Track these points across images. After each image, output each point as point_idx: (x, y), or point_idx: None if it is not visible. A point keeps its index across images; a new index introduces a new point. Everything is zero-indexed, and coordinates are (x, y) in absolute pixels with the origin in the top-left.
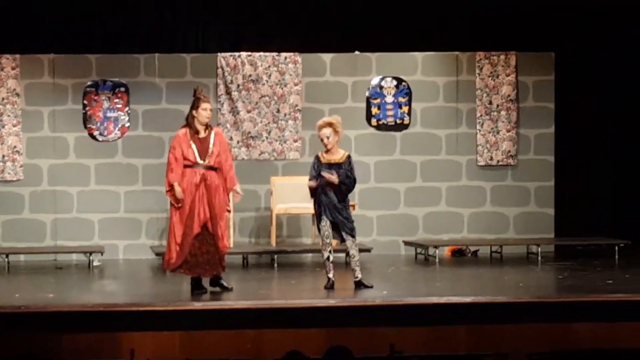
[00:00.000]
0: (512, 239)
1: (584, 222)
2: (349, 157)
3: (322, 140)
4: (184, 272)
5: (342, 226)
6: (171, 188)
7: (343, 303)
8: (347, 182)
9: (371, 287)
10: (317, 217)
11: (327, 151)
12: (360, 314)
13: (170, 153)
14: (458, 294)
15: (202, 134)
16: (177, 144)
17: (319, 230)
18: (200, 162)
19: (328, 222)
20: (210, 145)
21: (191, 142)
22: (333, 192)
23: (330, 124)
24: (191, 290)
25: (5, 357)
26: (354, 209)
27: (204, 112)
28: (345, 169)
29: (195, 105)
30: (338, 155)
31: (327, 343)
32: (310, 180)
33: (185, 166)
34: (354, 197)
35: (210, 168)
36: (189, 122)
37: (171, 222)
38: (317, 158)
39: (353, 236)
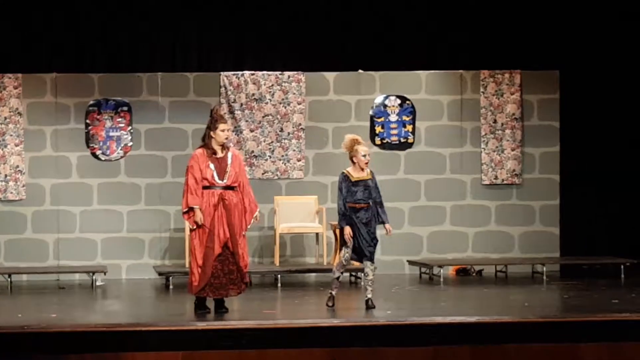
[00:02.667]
0: (517, 258)
1: (589, 241)
2: (373, 173)
3: (363, 156)
4: (208, 294)
5: (363, 251)
6: (189, 210)
7: (347, 323)
8: (381, 201)
9: (374, 307)
10: (342, 240)
11: (359, 169)
12: (364, 334)
13: (189, 174)
14: (462, 314)
15: (220, 154)
16: (195, 163)
17: (341, 249)
18: (219, 182)
19: (352, 246)
20: (228, 165)
21: (209, 162)
22: (367, 214)
23: (363, 143)
24: (195, 310)
25: None
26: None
27: (222, 132)
28: (374, 185)
29: (213, 126)
30: (365, 173)
31: None
32: (340, 206)
33: (203, 187)
34: None
35: (228, 188)
36: (206, 142)
37: (192, 245)
38: (346, 176)
39: (372, 260)
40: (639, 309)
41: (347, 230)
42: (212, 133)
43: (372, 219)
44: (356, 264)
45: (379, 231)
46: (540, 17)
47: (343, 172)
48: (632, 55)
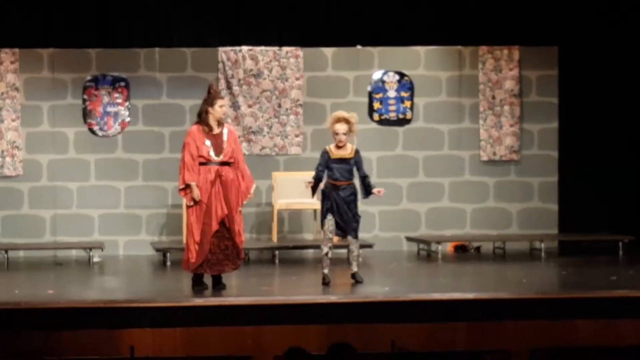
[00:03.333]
0: (515, 234)
1: (588, 218)
2: (358, 151)
3: (336, 134)
4: (205, 271)
5: (348, 225)
6: (186, 187)
7: (344, 299)
8: (366, 175)
9: (361, 281)
10: (323, 212)
11: (339, 147)
12: (362, 310)
13: (185, 150)
14: (460, 290)
15: (216, 130)
16: (191, 140)
17: (322, 225)
18: (215, 158)
19: (334, 219)
20: (225, 141)
21: (205, 138)
22: (347, 191)
23: (347, 121)
24: (192, 286)
25: (5, 354)
26: (380, 193)
27: (220, 108)
28: (358, 161)
29: (210, 102)
30: (347, 150)
31: (327, 339)
32: (315, 176)
33: (200, 164)
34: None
35: (224, 164)
36: (203, 118)
37: (188, 221)
38: (327, 153)
39: (356, 237)
40: (637, 286)
41: (308, 180)
42: (209, 109)
43: (354, 197)
44: (336, 239)
45: (384, 206)
46: None
47: (325, 148)
48: (630, 32)
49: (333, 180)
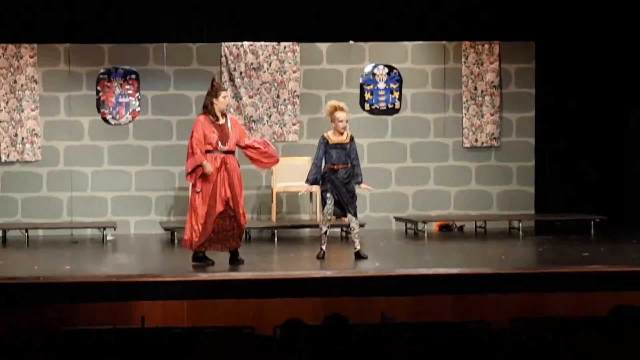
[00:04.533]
0: (495, 215)
1: (562, 200)
2: (352, 137)
3: (339, 121)
4: (207, 248)
5: (347, 207)
6: (193, 171)
7: (338, 274)
8: (357, 163)
9: (366, 257)
10: (323, 194)
11: (338, 133)
12: (354, 284)
13: (194, 137)
14: (445, 266)
15: (221, 121)
16: (199, 128)
17: (324, 206)
18: (222, 147)
19: (333, 200)
20: (230, 131)
21: (213, 128)
22: (345, 173)
23: (344, 109)
24: (193, 262)
25: (26, 325)
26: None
27: (224, 99)
28: (353, 148)
29: (215, 94)
30: (344, 137)
31: (323, 311)
32: (313, 165)
33: (207, 151)
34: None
35: (229, 152)
36: (209, 109)
37: (192, 204)
38: (325, 139)
39: (355, 215)
40: (607, 262)
41: (305, 186)
42: (214, 100)
43: (350, 178)
44: (333, 218)
45: (360, 191)
46: None
47: (323, 135)
48: (601, 27)
49: (331, 164)
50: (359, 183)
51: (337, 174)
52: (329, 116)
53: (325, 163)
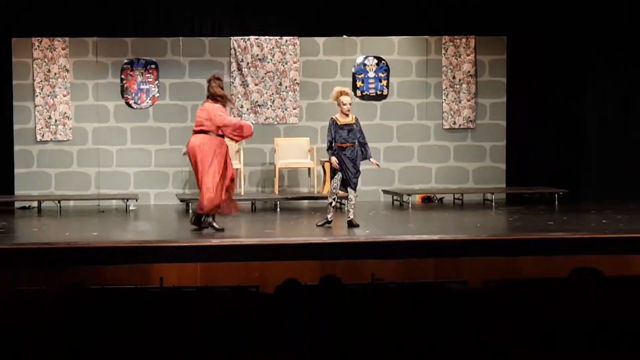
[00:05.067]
0: (471, 188)
1: (530, 175)
2: (357, 119)
3: (344, 104)
4: (220, 212)
5: (349, 181)
6: (245, 129)
7: (334, 240)
8: (365, 142)
9: (358, 226)
10: (332, 171)
11: (345, 115)
12: (348, 249)
13: (227, 115)
14: (427, 233)
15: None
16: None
17: (332, 179)
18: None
19: (341, 176)
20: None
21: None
22: (352, 151)
23: (348, 94)
24: (202, 224)
25: (58, 284)
26: (378, 166)
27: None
28: (360, 128)
29: (219, 87)
30: (350, 118)
31: (320, 273)
32: (328, 143)
33: (218, 135)
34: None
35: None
36: (220, 100)
37: (214, 170)
38: (334, 121)
39: (354, 189)
40: (569, 229)
41: (333, 159)
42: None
43: (356, 156)
44: (341, 192)
45: (367, 166)
46: None
47: (332, 118)
48: (564, 23)
49: (341, 143)
50: (369, 158)
51: (345, 152)
52: (335, 100)
53: (335, 142)
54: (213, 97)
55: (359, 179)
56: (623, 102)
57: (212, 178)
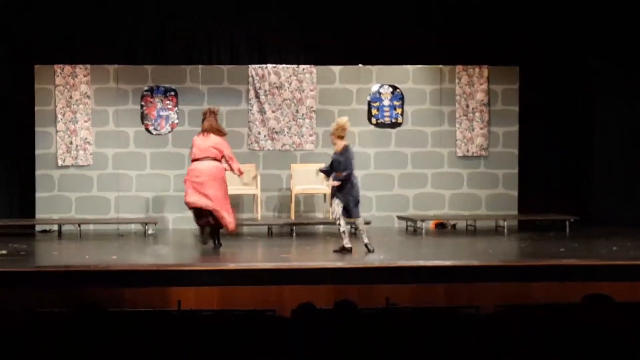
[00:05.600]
0: (484, 215)
1: (541, 202)
2: (346, 147)
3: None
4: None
5: (351, 210)
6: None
7: (348, 265)
8: (344, 168)
9: (373, 251)
10: (331, 198)
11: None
12: (362, 274)
13: (229, 150)
14: (440, 259)
15: None
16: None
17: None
18: None
19: (340, 203)
20: None
21: None
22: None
23: (331, 133)
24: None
25: (78, 306)
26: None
27: None
28: (344, 157)
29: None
30: (336, 147)
31: (334, 297)
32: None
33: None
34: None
35: None
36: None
37: (226, 192)
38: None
39: (358, 216)
40: (580, 256)
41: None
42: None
43: (349, 187)
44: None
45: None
46: (505, 25)
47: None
48: (574, 54)
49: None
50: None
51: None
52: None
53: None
54: (215, 130)
55: (359, 205)
56: (634, 130)
57: (228, 201)
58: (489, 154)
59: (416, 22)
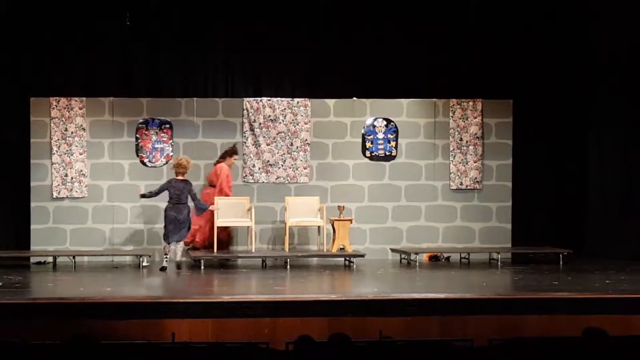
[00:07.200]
0: (477, 247)
1: (535, 235)
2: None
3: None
4: None
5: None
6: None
7: (342, 297)
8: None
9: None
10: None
11: None
12: (356, 306)
13: (227, 180)
14: (434, 291)
15: None
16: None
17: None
18: None
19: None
20: None
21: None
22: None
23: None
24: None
25: (71, 338)
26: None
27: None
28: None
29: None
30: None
31: (328, 329)
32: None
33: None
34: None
35: None
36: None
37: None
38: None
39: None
40: (574, 289)
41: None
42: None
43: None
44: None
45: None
46: (498, 60)
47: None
48: (566, 89)
49: None
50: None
51: None
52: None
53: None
54: (227, 165)
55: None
56: (627, 163)
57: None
58: (483, 187)
59: (411, 57)
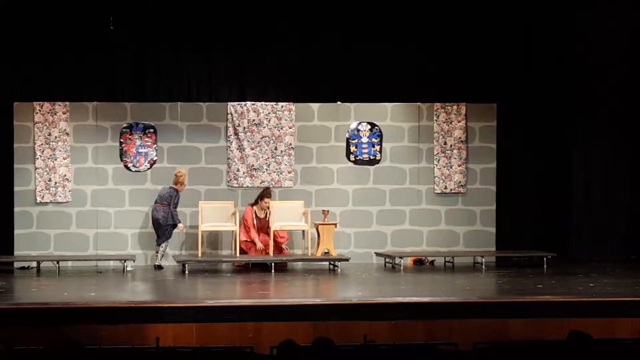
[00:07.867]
0: (462, 251)
1: (519, 239)
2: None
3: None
4: None
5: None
6: None
7: (326, 301)
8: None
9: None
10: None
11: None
12: (340, 311)
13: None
14: (418, 295)
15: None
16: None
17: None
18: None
19: None
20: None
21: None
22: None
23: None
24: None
25: (55, 344)
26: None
27: (265, 204)
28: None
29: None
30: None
31: (313, 334)
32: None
33: None
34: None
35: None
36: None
37: None
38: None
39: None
40: (557, 293)
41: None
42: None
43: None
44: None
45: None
46: (482, 63)
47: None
48: (550, 91)
49: None
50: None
51: None
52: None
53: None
54: (259, 208)
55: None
56: (611, 167)
57: None
58: (467, 191)
59: (395, 61)
